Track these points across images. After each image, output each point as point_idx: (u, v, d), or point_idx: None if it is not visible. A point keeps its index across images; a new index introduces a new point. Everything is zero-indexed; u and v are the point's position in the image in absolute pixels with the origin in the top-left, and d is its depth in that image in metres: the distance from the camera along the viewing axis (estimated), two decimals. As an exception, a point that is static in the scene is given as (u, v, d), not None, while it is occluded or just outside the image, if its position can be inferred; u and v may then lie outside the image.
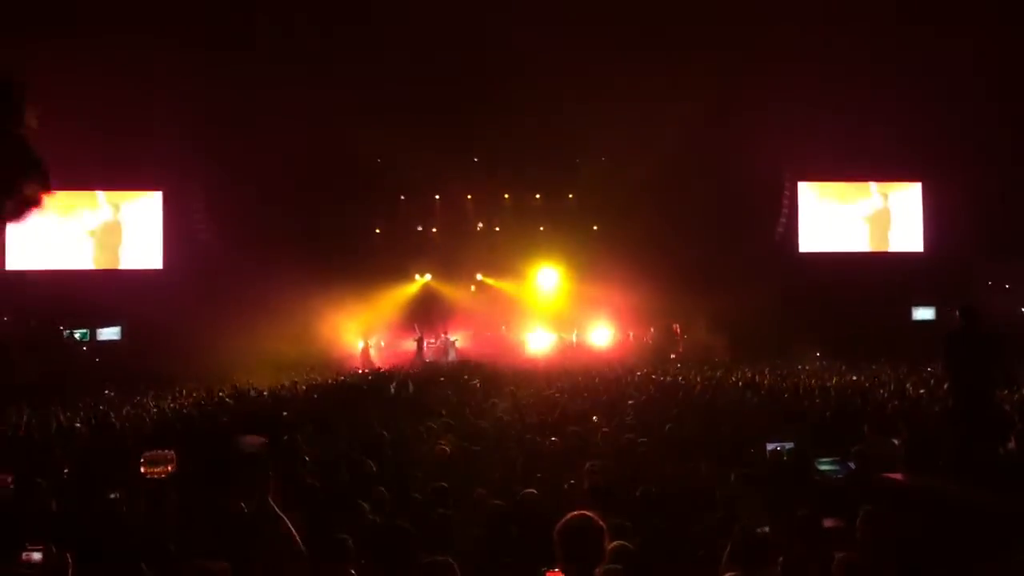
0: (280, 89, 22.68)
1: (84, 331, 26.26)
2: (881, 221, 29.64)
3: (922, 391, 13.13)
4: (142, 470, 6.78)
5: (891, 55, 23.99)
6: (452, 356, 26.88)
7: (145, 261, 27.52)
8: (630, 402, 13.29)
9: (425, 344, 27.47)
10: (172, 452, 6.97)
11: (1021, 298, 26.72)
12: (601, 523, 3.38)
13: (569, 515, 3.42)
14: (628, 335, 28.49)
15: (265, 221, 23.54)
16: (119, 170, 26.29)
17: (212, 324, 22.04)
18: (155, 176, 26.96)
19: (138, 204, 27.89)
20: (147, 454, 6.94)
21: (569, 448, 8.73)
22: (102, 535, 5.49)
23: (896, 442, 8.30)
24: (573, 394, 14.62)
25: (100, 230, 27.40)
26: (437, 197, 28.98)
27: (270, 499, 3.41)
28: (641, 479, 7.09)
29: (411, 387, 16.30)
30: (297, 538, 3.41)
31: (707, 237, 25.63)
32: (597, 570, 3.34)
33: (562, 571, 3.33)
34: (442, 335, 27.97)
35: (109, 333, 26.34)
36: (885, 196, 29.79)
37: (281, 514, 3.30)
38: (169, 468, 6.88)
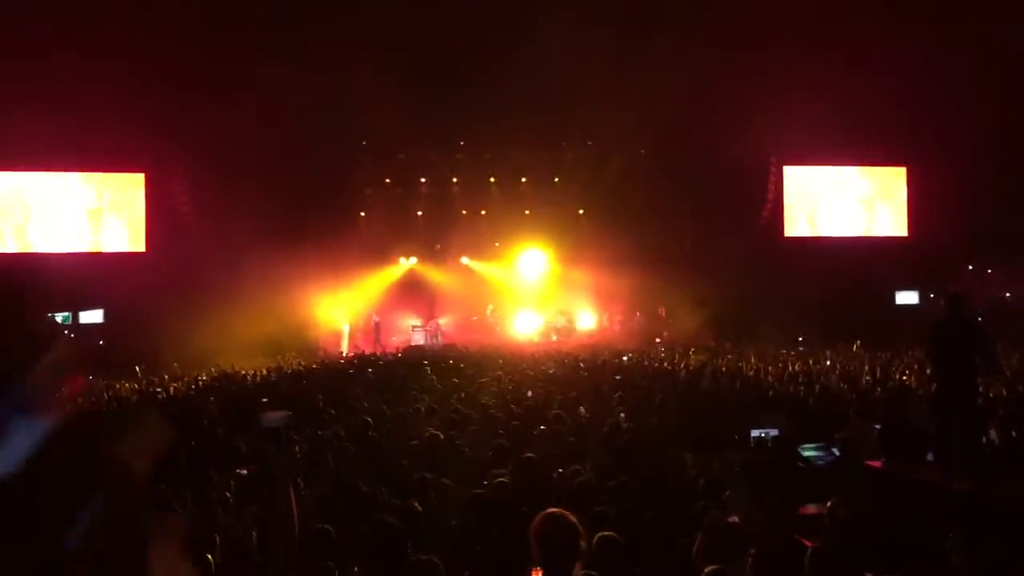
0: (264, 71, 22.47)
1: (66, 314, 26.04)
2: (866, 206, 29.72)
3: (905, 377, 13.21)
4: None
5: (878, 39, 23.94)
6: (439, 340, 26.87)
7: (128, 244, 27.33)
8: (617, 395, 13.34)
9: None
10: None
11: (1003, 284, 26.90)
12: (575, 521, 3.37)
13: (543, 513, 3.41)
14: (614, 319, 28.52)
15: (249, 204, 23.33)
16: (100, 152, 26.07)
17: (196, 307, 21.90)
18: (137, 158, 26.72)
19: (120, 186, 27.64)
20: None
21: (554, 436, 8.72)
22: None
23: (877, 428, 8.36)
24: (559, 380, 14.63)
25: (86, 213, 27.19)
26: (423, 180, 28.85)
27: (290, 491, 3.30)
28: (625, 468, 7.10)
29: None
30: (296, 544, 3.33)
31: (693, 221, 25.64)
32: (575, 570, 3.33)
33: (540, 570, 3.32)
34: (432, 320, 27.95)
35: (91, 316, 26.13)
36: (870, 180, 29.86)
37: (295, 511, 3.18)
38: None
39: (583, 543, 3.40)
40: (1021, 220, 24.24)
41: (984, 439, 7.02)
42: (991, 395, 9.58)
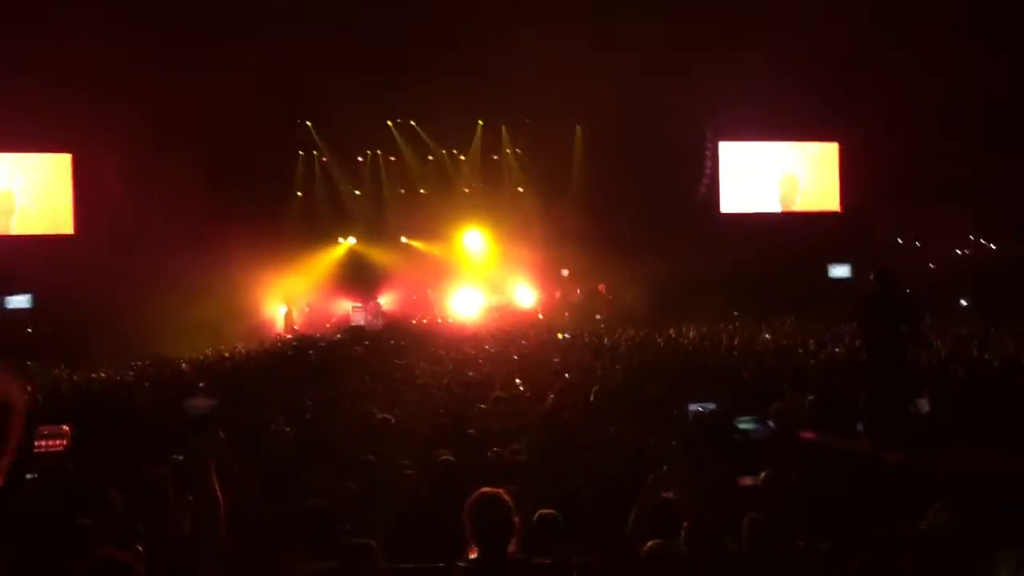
0: (198, 47, 21.99)
1: (-9, 298, 25.29)
2: (800, 181, 30.20)
3: (838, 349, 13.51)
4: (37, 443, 6.76)
5: (812, 15, 24.26)
6: (379, 320, 26.68)
7: (55, 226, 26.56)
8: (555, 360, 13.43)
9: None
10: (67, 427, 6.97)
11: (929, 255, 27.69)
12: (509, 500, 3.40)
13: (477, 493, 3.43)
14: (554, 296, 28.59)
15: (183, 184, 22.82)
16: (23, 132, 25.20)
17: (129, 291, 21.43)
18: (64, 138, 25.96)
19: (45, 167, 26.85)
20: (42, 429, 6.91)
21: (495, 415, 8.75)
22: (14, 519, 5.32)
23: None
24: (499, 359, 14.66)
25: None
26: (360, 159, 28.54)
27: (213, 476, 3.27)
28: (565, 445, 7.16)
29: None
30: (222, 527, 3.30)
31: (632, 197, 25.79)
32: (510, 547, 3.35)
33: (474, 549, 3.35)
34: (372, 299, 27.70)
35: (19, 301, 25.39)
36: (804, 156, 30.34)
37: (219, 495, 3.17)
38: (64, 442, 6.87)
39: (517, 520, 3.43)
40: (953, 195, 24.98)
41: (912, 409, 7.21)
42: (919, 365, 9.83)
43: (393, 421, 7.97)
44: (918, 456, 6.37)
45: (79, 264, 22.79)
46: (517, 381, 11.31)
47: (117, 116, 23.28)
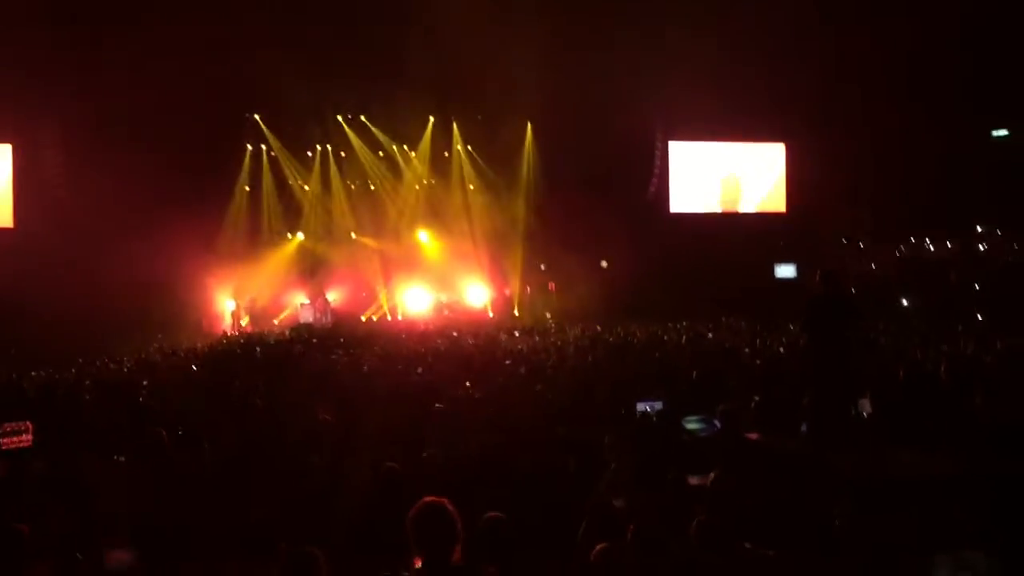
0: (144, 37, 21.53)
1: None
2: (747, 181, 30.56)
3: (782, 349, 13.70)
4: (4, 440, 6.86)
5: (761, 16, 24.56)
6: (328, 317, 26.45)
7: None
8: (507, 361, 13.43)
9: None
10: (29, 423, 7.03)
11: (872, 256, 28.27)
12: (452, 510, 3.40)
13: (421, 503, 3.43)
14: (504, 294, 28.59)
15: (130, 177, 22.33)
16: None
17: (70, 286, 20.94)
18: (4, 128, 25.27)
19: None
20: (5, 426, 6.98)
21: (445, 415, 8.70)
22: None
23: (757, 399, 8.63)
24: (450, 357, 14.61)
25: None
26: (309, 154, 28.24)
27: None
28: (512, 447, 7.15)
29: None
30: None
31: (582, 195, 25.91)
32: (454, 555, 3.35)
33: (419, 558, 3.34)
34: (320, 296, 27.45)
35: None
36: (751, 156, 30.69)
37: None
38: (30, 438, 6.95)
39: (460, 528, 3.42)
40: (895, 196, 25.48)
41: (853, 411, 7.32)
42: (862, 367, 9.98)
43: (337, 423, 7.88)
44: (860, 458, 6.47)
45: (18, 258, 22.24)
46: (467, 384, 11.26)
47: (60, 106, 22.74)
